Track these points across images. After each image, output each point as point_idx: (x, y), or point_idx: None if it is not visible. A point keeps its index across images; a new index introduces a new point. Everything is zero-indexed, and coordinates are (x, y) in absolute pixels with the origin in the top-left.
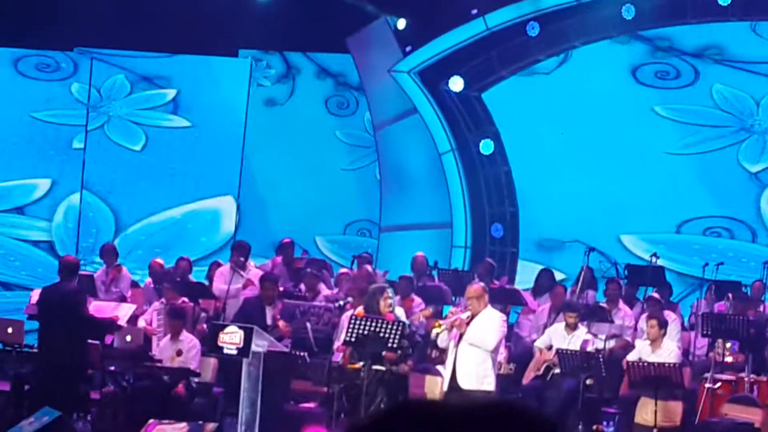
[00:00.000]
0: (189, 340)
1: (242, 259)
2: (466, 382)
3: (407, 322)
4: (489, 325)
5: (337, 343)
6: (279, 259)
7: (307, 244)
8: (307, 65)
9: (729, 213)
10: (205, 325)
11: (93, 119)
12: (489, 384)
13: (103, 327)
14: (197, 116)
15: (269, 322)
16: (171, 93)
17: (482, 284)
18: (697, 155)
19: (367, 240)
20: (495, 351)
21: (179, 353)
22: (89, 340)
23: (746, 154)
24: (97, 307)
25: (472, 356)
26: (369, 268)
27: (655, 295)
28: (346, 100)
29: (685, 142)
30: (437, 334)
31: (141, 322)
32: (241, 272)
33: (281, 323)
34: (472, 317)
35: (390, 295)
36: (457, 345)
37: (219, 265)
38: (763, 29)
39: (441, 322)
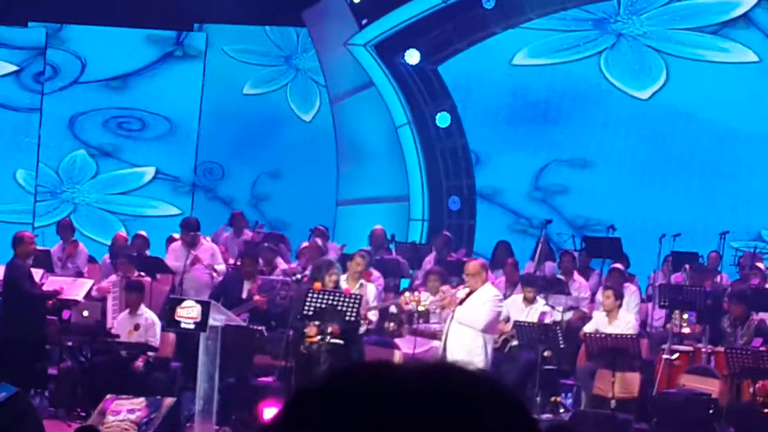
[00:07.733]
0: (148, 316)
1: (192, 234)
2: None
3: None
4: (480, 304)
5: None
6: (227, 232)
7: None
8: None
9: None
10: None
11: None
12: (480, 363)
13: (46, 299)
14: None
15: (245, 295)
16: None
17: (482, 260)
18: None
19: None
20: (489, 329)
21: (137, 327)
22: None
23: None
24: (52, 282)
25: (464, 335)
26: (319, 241)
27: (619, 265)
28: None
29: None
30: (417, 312)
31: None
32: (191, 249)
33: (257, 296)
34: (470, 294)
35: (336, 270)
36: (449, 322)
37: (173, 240)
38: None
39: (431, 299)
